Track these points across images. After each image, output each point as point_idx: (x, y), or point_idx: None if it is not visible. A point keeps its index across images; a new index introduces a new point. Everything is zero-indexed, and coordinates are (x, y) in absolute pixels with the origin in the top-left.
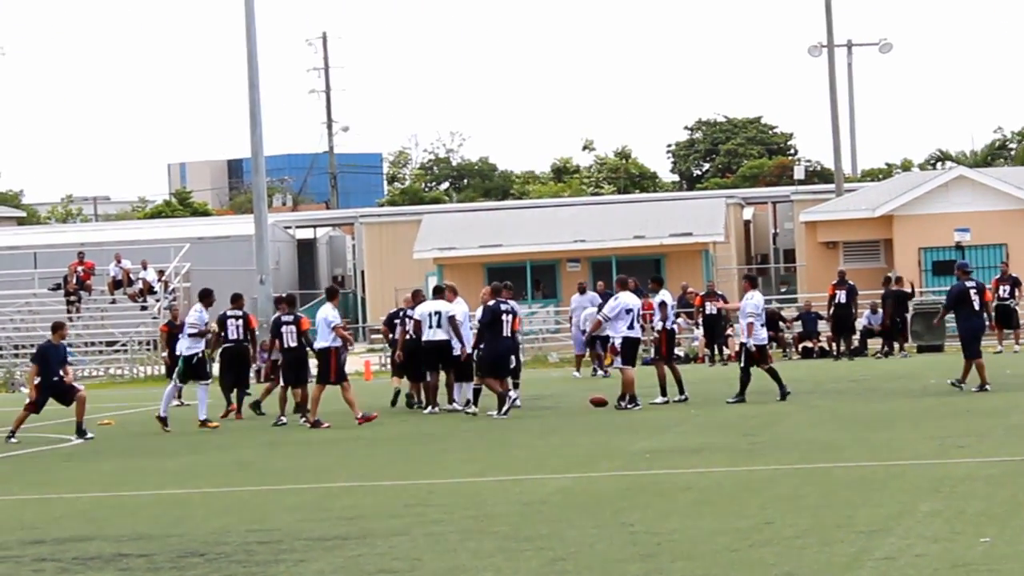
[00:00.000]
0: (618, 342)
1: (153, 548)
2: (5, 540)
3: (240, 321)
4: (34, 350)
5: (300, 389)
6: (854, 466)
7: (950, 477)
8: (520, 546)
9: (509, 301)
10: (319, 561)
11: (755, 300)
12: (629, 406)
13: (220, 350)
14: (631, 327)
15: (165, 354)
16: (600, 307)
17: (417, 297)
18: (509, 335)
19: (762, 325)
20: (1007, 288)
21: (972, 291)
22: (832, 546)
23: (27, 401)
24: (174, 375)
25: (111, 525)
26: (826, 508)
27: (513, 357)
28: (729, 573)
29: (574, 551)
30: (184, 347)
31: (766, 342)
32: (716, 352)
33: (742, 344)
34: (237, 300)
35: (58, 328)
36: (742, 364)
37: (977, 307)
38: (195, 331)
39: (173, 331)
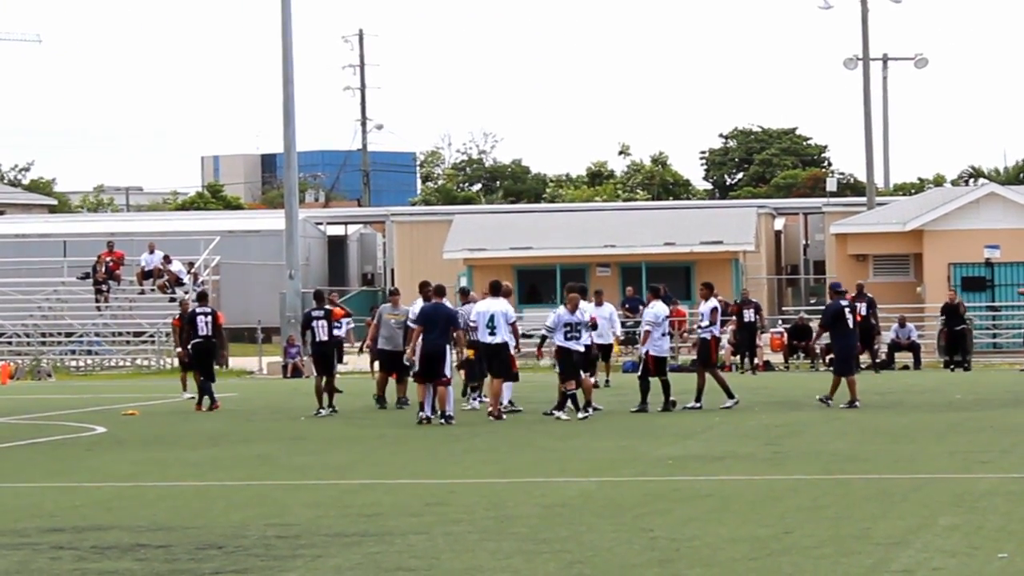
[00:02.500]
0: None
1: (171, 539)
2: (24, 527)
3: (209, 318)
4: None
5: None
6: (876, 478)
7: (971, 492)
8: (538, 548)
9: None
10: (337, 557)
11: (655, 311)
12: (583, 414)
13: (189, 345)
14: (567, 338)
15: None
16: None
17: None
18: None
19: (662, 335)
20: None
21: (847, 310)
22: (850, 557)
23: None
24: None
25: (130, 515)
26: (845, 519)
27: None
28: None
29: (592, 555)
30: None
31: (665, 354)
32: (747, 361)
33: (646, 353)
34: (203, 298)
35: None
36: (639, 374)
37: (851, 325)
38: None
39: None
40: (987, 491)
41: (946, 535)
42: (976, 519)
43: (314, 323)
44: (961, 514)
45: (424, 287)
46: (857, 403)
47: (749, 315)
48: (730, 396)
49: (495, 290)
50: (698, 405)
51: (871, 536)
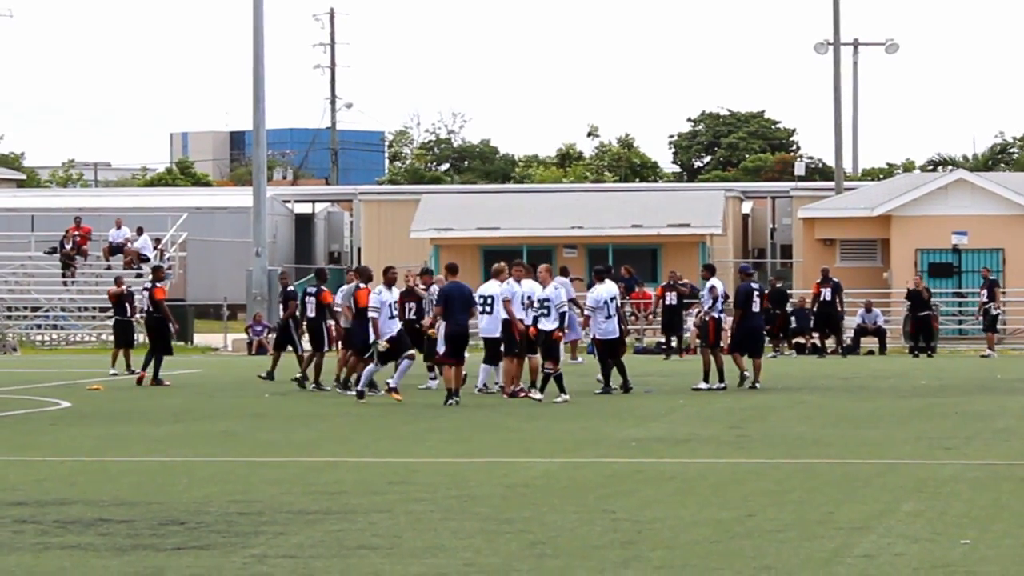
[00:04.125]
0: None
1: (134, 514)
2: None
3: (146, 293)
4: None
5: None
6: (839, 463)
7: (934, 478)
8: (501, 528)
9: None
10: (299, 535)
11: (595, 294)
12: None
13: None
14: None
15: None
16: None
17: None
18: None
19: (607, 318)
20: (985, 292)
21: (755, 293)
22: (812, 541)
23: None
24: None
25: (93, 490)
26: (808, 503)
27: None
28: (708, 564)
29: (554, 535)
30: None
31: (611, 336)
32: (675, 343)
33: (593, 337)
34: (153, 272)
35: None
36: (597, 356)
37: (757, 308)
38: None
39: (121, 301)
40: (951, 477)
41: (909, 521)
42: (939, 505)
43: (307, 299)
44: (924, 500)
45: (388, 271)
46: (748, 379)
47: (671, 299)
48: (706, 380)
49: (495, 274)
50: (721, 385)
51: (834, 520)
